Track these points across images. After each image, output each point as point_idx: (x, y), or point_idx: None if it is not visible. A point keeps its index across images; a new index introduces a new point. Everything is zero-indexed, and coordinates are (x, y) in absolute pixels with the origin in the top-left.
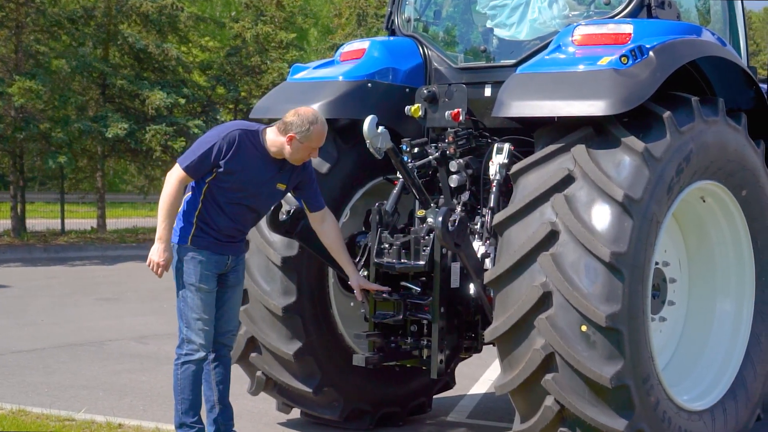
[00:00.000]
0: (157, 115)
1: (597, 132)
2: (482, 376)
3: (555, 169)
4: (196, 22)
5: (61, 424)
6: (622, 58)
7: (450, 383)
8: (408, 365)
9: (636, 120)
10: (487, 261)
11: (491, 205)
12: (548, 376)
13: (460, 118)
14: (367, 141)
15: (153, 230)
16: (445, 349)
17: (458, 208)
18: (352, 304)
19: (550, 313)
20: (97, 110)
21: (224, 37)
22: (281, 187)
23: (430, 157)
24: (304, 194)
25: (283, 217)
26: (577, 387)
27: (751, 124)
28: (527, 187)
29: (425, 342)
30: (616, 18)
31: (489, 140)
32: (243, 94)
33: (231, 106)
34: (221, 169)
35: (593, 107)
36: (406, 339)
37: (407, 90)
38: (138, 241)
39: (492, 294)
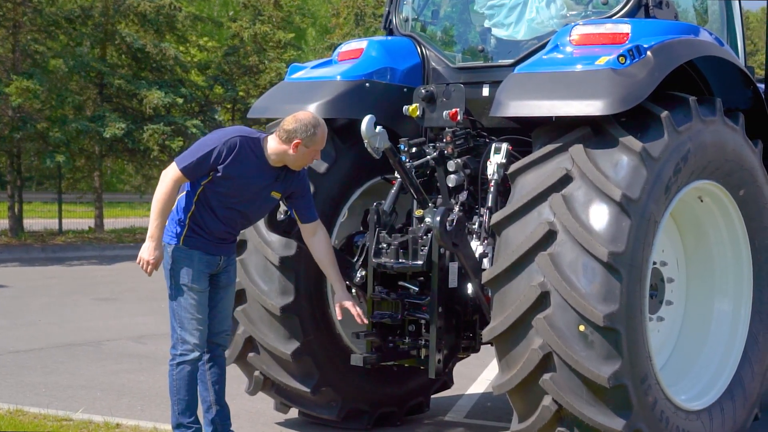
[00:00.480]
0: (154, 115)
1: (595, 132)
2: (480, 375)
3: (553, 168)
4: (193, 22)
5: (59, 423)
6: (620, 58)
7: (448, 383)
8: (406, 365)
9: (634, 120)
10: (485, 261)
11: (489, 204)
12: (546, 376)
13: (458, 117)
14: (365, 141)
15: None
16: (443, 349)
17: (456, 208)
18: None
19: (548, 312)
20: (94, 110)
21: (222, 36)
22: (276, 195)
23: (428, 156)
24: (296, 204)
25: (281, 216)
26: (574, 387)
27: (749, 123)
28: (525, 186)
29: (423, 342)
30: (613, 18)
31: (487, 140)
32: (241, 93)
33: (229, 106)
34: (219, 174)
35: (591, 107)
36: (404, 339)
37: (405, 90)
38: (136, 241)
39: (490, 294)
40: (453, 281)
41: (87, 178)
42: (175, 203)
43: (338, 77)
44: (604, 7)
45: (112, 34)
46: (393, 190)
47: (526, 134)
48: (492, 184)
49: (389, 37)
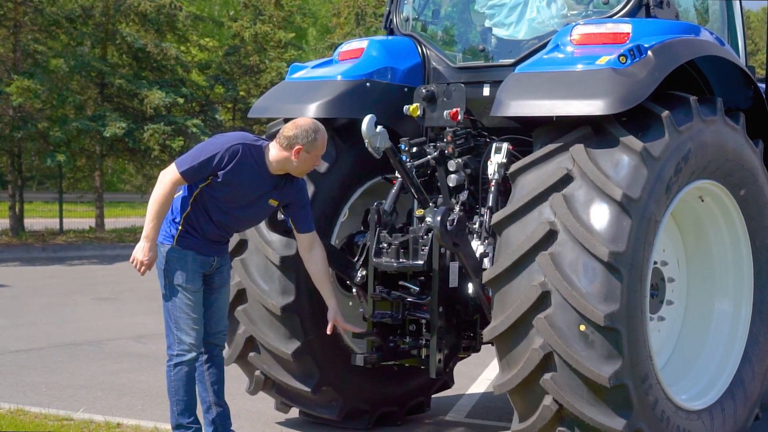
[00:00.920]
0: (155, 115)
1: (595, 131)
2: (481, 375)
3: (553, 168)
4: (194, 22)
5: (60, 423)
6: (621, 58)
7: (448, 382)
8: (406, 365)
9: (634, 119)
10: (486, 260)
11: (490, 204)
12: (547, 376)
13: (459, 117)
14: (366, 140)
15: None
16: (444, 349)
17: (457, 208)
18: (350, 303)
19: (549, 312)
20: (95, 109)
21: (223, 36)
22: (273, 203)
23: (429, 156)
24: (293, 213)
25: (281, 216)
26: (575, 386)
27: (750, 123)
28: (526, 186)
29: (424, 341)
30: (614, 17)
31: (487, 140)
32: (241, 93)
33: (229, 106)
34: (218, 179)
35: (592, 107)
36: (405, 338)
37: (406, 89)
38: (136, 241)
39: (490, 293)
40: (453, 281)
41: (88, 177)
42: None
43: (339, 77)
44: (605, 7)
45: (112, 33)
46: (393, 190)
47: (526, 134)
48: (492, 183)
49: (390, 37)
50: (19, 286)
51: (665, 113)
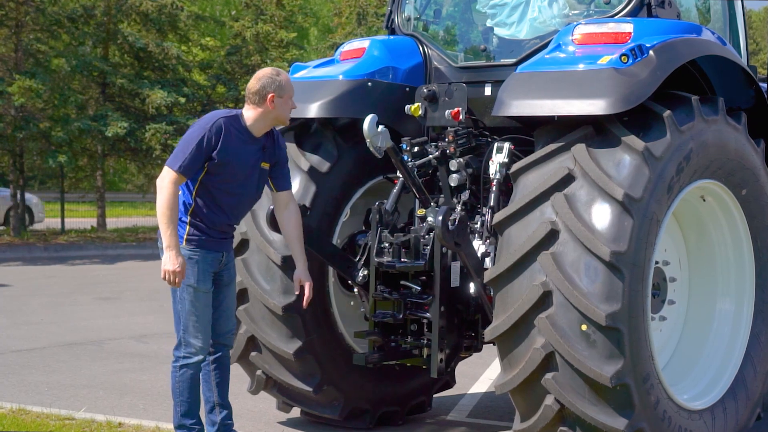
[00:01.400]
0: (157, 114)
1: (597, 131)
2: (482, 375)
3: (555, 168)
4: (196, 21)
5: (62, 423)
6: (622, 57)
7: (450, 382)
8: (408, 364)
9: (636, 119)
10: (487, 260)
11: (491, 204)
12: (548, 375)
13: (460, 117)
14: (367, 140)
15: (153, 229)
16: (445, 348)
17: (458, 207)
18: (352, 303)
19: (550, 312)
20: (97, 109)
21: (224, 36)
22: (265, 166)
23: (430, 156)
24: (274, 172)
25: None
26: (577, 386)
27: (751, 123)
28: (527, 186)
29: (425, 341)
30: (616, 17)
31: (489, 139)
32: (243, 93)
33: (231, 105)
34: (215, 161)
35: (593, 106)
36: (406, 338)
37: (407, 89)
38: (138, 240)
39: (492, 293)
40: (455, 280)
41: (89, 177)
42: None
43: (340, 76)
44: (607, 7)
45: (114, 33)
46: (395, 190)
47: (528, 133)
48: (494, 183)
49: (391, 37)
50: (20, 285)
51: (667, 113)
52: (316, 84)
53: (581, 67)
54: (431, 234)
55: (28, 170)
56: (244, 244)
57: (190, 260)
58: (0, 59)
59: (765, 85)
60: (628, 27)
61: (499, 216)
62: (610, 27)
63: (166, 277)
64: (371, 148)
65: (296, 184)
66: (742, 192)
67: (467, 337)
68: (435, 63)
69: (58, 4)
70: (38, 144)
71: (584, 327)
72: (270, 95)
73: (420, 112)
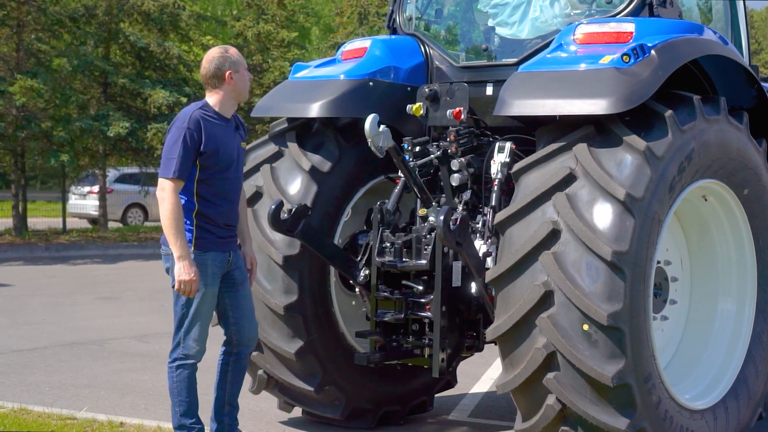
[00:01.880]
0: (158, 114)
1: (599, 131)
2: (484, 374)
3: (556, 167)
4: (197, 21)
5: (63, 422)
6: (624, 57)
7: (451, 382)
8: (409, 364)
9: (638, 119)
10: (489, 260)
11: (493, 203)
12: (550, 375)
13: (462, 116)
14: (369, 140)
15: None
16: (447, 348)
17: (460, 207)
18: (353, 302)
19: (552, 311)
20: (98, 109)
21: (226, 35)
22: (244, 145)
23: (432, 155)
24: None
25: (284, 215)
26: (578, 386)
27: (753, 122)
28: (529, 185)
29: (427, 341)
30: (617, 17)
31: (490, 139)
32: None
33: None
34: (205, 154)
35: (595, 106)
36: (408, 338)
37: (409, 89)
38: (139, 240)
39: (493, 293)
40: (456, 280)
41: (91, 177)
42: None
43: (342, 76)
44: (608, 6)
45: (115, 33)
46: (396, 189)
47: (529, 133)
48: (495, 183)
49: (393, 36)
50: (21, 285)
51: (668, 112)
52: (318, 84)
53: (583, 66)
54: (433, 234)
55: (29, 170)
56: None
57: (199, 265)
58: (1, 59)
59: (767, 84)
60: (629, 26)
61: (501, 216)
62: (612, 26)
63: (182, 287)
64: (372, 148)
65: (297, 183)
66: (743, 192)
67: (469, 337)
68: (436, 63)
69: (60, 3)
70: (40, 144)
71: (586, 327)
72: (227, 73)
73: (421, 112)
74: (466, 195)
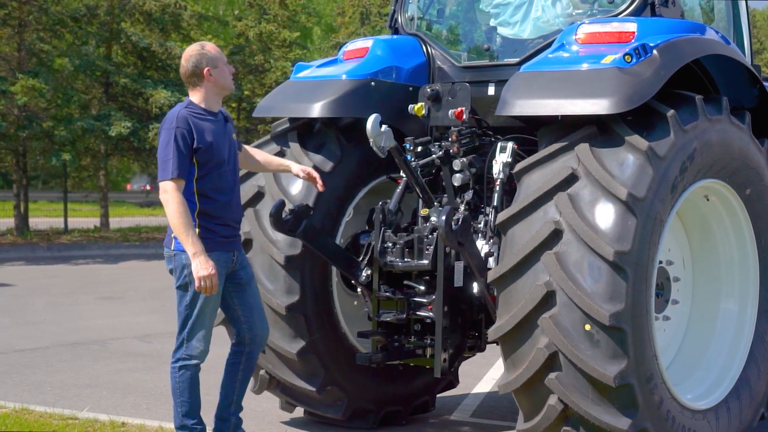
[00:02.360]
0: (160, 114)
1: (601, 130)
2: (486, 374)
3: (558, 167)
4: (199, 21)
5: (65, 422)
6: (626, 57)
7: (453, 382)
8: (411, 364)
9: (640, 118)
10: (491, 260)
11: (495, 203)
12: (552, 375)
13: (464, 116)
14: (371, 140)
15: (156, 229)
16: (449, 348)
17: (462, 207)
18: (355, 302)
19: (554, 311)
20: (100, 109)
21: (227, 35)
22: (235, 137)
23: (434, 155)
24: None
25: (286, 215)
26: (580, 386)
27: (755, 122)
28: (531, 185)
29: (429, 341)
30: (619, 16)
31: (492, 139)
32: (246, 92)
33: (234, 105)
34: (200, 150)
35: (597, 106)
36: (410, 338)
37: (410, 89)
38: (141, 240)
39: (495, 293)
40: (458, 280)
41: (92, 177)
42: None
43: (343, 76)
44: (610, 6)
45: (117, 33)
46: (398, 189)
47: (531, 133)
48: (497, 183)
49: (395, 36)
50: (23, 285)
51: (671, 112)
52: (319, 83)
53: (585, 66)
54: (434, 234)
55: (31, 170)
56: (247, 244)
57: None
58: (3, 58)
59: None
60: (631, 26)
61: (503, 216)
62: (614, 26)
63: (202, 284)
64: (374, 148)
65: (299, 183)
66: (746, 191)
67: (471, 337)
68: (438, 62)
69: (61, 3)
70: (41, 143)
71: (588, 327)
72: (205, 69)
73: (423, 112)
74: (468, 195)
